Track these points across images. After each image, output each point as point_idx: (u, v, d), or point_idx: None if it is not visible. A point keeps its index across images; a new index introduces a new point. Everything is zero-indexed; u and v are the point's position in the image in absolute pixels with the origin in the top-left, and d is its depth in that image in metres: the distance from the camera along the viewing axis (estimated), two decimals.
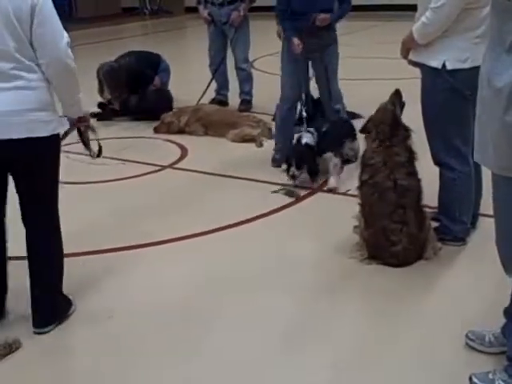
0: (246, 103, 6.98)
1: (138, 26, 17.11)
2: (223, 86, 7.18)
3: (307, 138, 4.76)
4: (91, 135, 3.19)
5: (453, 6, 3.19)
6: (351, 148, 5.02)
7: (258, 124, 5.89)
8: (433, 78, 3.37)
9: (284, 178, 4.74)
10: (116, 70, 6.76)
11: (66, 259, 3.03)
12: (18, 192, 2.89)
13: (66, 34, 2.70)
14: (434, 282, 3.32)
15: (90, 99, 6.93)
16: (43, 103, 2.75)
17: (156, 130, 6.27)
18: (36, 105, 2.72)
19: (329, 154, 4.79)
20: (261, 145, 5.50)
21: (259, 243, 3.82)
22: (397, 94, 3.56)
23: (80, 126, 3.06)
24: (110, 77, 6.71)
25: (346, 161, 4.97)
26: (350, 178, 4.76)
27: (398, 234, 3.38)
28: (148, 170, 5.19)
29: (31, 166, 2.80)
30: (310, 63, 5.16)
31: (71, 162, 5.32)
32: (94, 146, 3.24)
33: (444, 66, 3.30)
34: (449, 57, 3.30)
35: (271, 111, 5.77)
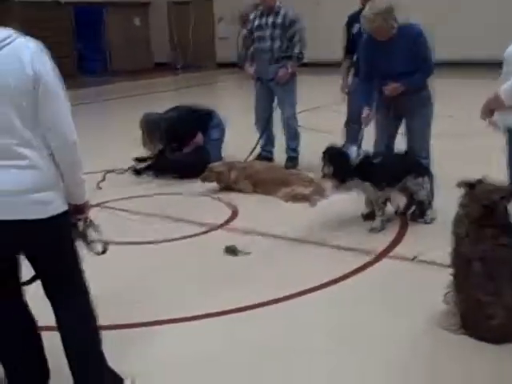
0: (293, 160, 6.79)
1: (171, 81, 17.25)
2: (268, 143, 7.01)
3: (349, 149, 4.79)
4: (92, 231, 2.71)
5: None
6: (416, 183, 4.81)
7: (310, 183, 5.65)
8: None
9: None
10: (155, 123, 6.61)
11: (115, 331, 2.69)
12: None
13: (69, 105, 2.43)
14: None
15: (124, 153, 6.83)
16: (44, 183, 2.41)
17: (203, 179, 6.00)
18: (36, 185, 2.38)
19: (357, 181, 4.71)
20: (315, 204, 5.26)
21: (322, 316, 3.50)
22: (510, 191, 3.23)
23: (78, 218, 2.63)
24: (147, 128, 6.63)
25: (413, 199, 4.91)
26: (417, 242, 4.50)
27: (493, 307, 3.09)
28: (200, 230, 4.91)
29: (36, 249, 2.50)
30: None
31: (114, 219, 5.12)
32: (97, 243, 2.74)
33: None
34: None
35: (317, 168, 5.43)
